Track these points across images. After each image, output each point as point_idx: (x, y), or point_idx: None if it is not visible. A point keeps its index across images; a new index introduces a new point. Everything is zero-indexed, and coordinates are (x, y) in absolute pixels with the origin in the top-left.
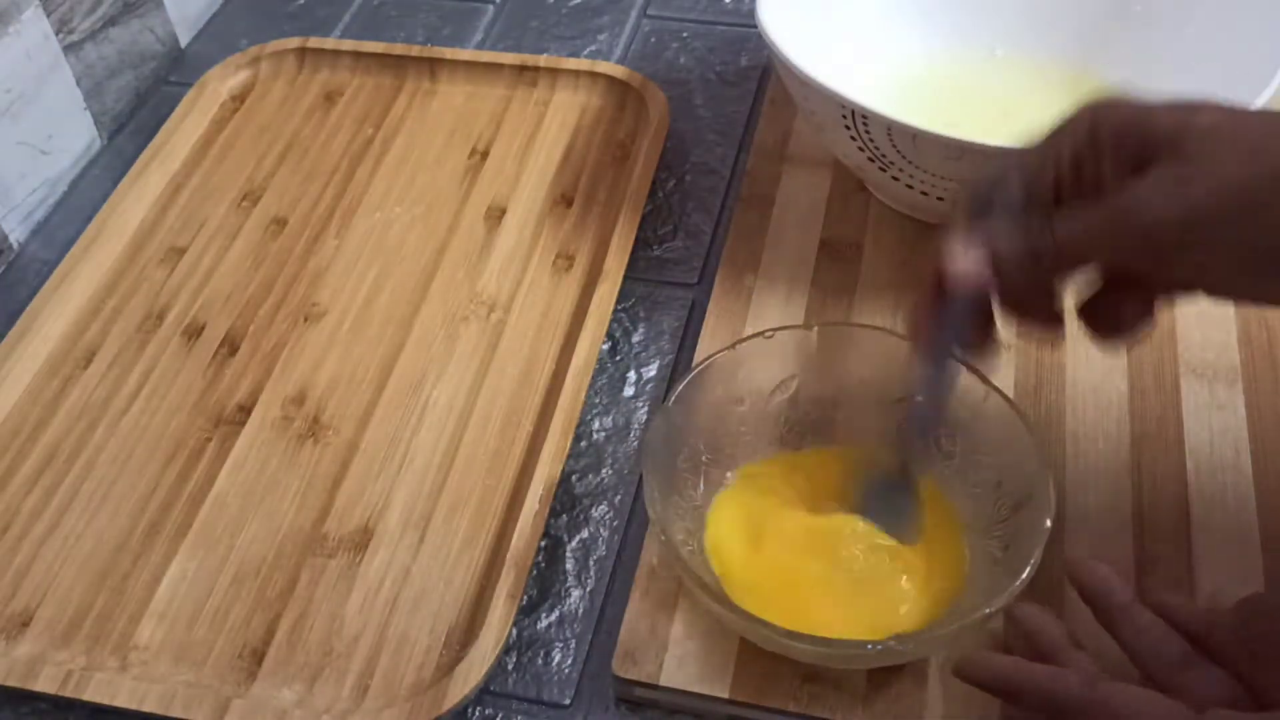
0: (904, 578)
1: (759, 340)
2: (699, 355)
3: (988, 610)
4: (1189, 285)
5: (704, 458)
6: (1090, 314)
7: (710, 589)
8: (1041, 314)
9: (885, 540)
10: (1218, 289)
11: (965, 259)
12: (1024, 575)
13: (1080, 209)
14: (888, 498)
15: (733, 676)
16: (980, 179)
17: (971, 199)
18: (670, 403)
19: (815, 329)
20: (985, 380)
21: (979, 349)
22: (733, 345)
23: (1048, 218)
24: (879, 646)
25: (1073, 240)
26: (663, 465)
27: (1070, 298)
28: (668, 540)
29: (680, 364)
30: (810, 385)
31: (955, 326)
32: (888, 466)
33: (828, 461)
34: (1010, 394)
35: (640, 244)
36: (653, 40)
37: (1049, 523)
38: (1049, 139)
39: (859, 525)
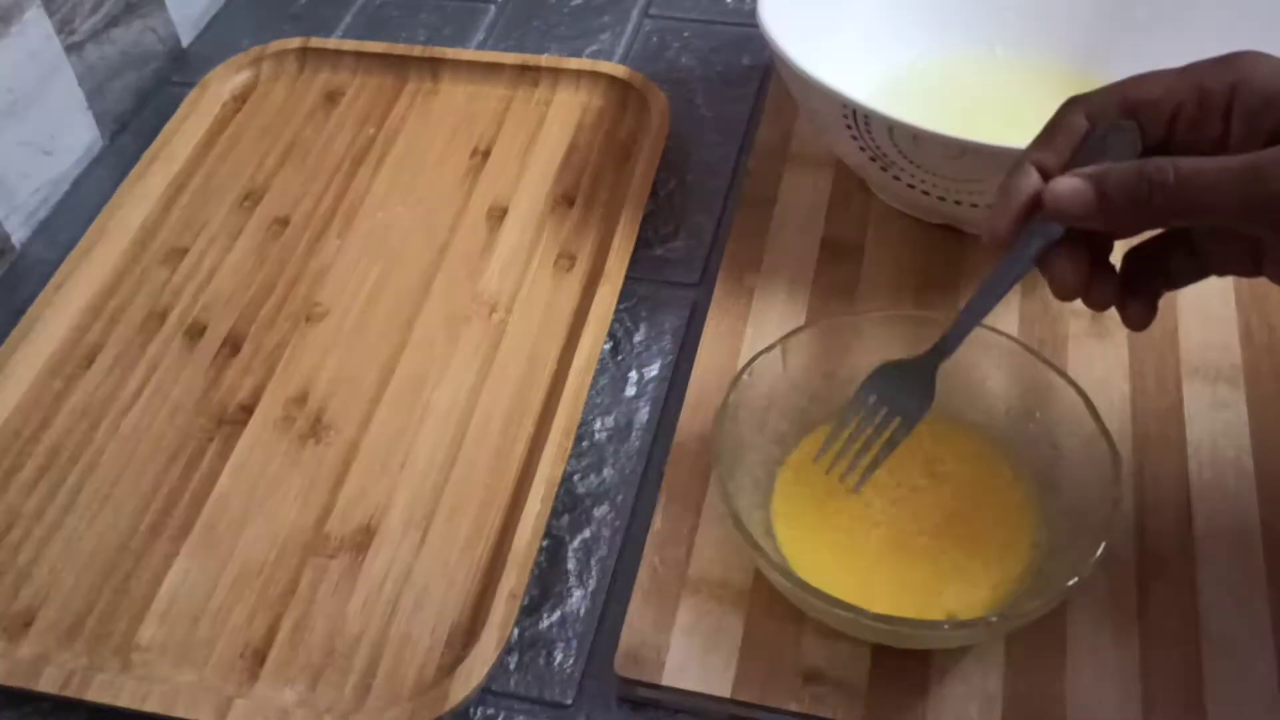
0: (966, 559)
1: (861, 318)
2: (700, 355)
3: (1039, 601)
4: None
5: (777, 429)
6: (1127, 274)
7: (781, 568)
8: (1142, 283)
9: (945, 525)
10: None
11: (1070, 184)
12: (1095, 557)
13: (1209, 158)
14: (903, 376)
15: (734, 676)
16: (1084, 98)
17: (1073, 117)
18: (747, 374)
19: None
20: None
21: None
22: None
23: (1165, 155)
24: (948, 625)
25: (1201, 185)
26: (736, 438)
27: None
28: (738, 521)
29: (682, 364)
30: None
31: (1033, 248)
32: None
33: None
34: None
35: (642, 244)
36: (654, 40)
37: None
38: (1175, 78)
39: (924, 509)
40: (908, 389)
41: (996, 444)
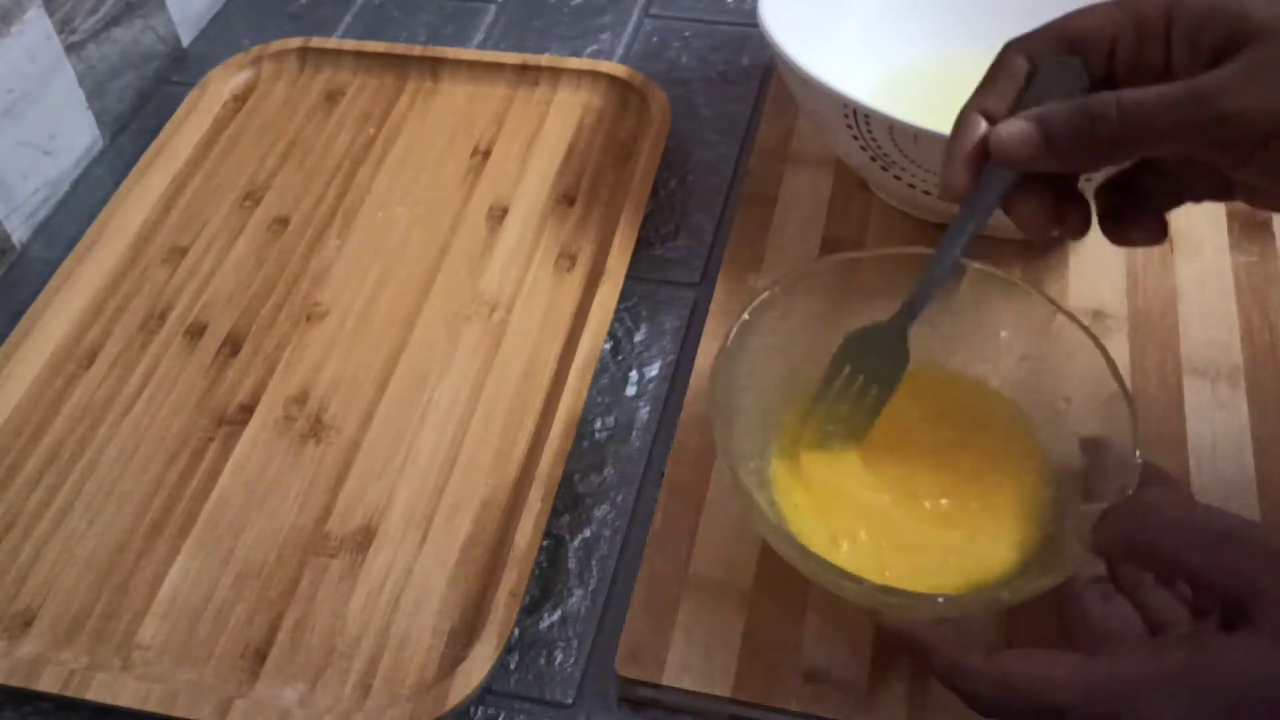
0: (985, 517)
1: (865, 255)
2: (700, 355)
3: (1045, 579)
4: (1248, 185)
5: (779, 378)
6: (1109, 207)
7: (785, 536)
8: (1078, 206)
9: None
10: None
11: (1014, 127)
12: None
13: (1151, 87)
14: (874, 342)
15: (735, 676)
16: (1023, 39)
17: (1014, 59)
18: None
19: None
20: (1053, 302)
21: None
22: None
23: (1111, 89)
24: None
25: (1143, 114)
26: (731, 402)
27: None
28: (740, 488)
29: (682, 363)
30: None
31: (992, 195)
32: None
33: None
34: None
35: (642, 243)
36: (654, 40)
37: (1137, 457)
38: (1111, 9)
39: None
40: (881, 355)
41: (1004, 397)
